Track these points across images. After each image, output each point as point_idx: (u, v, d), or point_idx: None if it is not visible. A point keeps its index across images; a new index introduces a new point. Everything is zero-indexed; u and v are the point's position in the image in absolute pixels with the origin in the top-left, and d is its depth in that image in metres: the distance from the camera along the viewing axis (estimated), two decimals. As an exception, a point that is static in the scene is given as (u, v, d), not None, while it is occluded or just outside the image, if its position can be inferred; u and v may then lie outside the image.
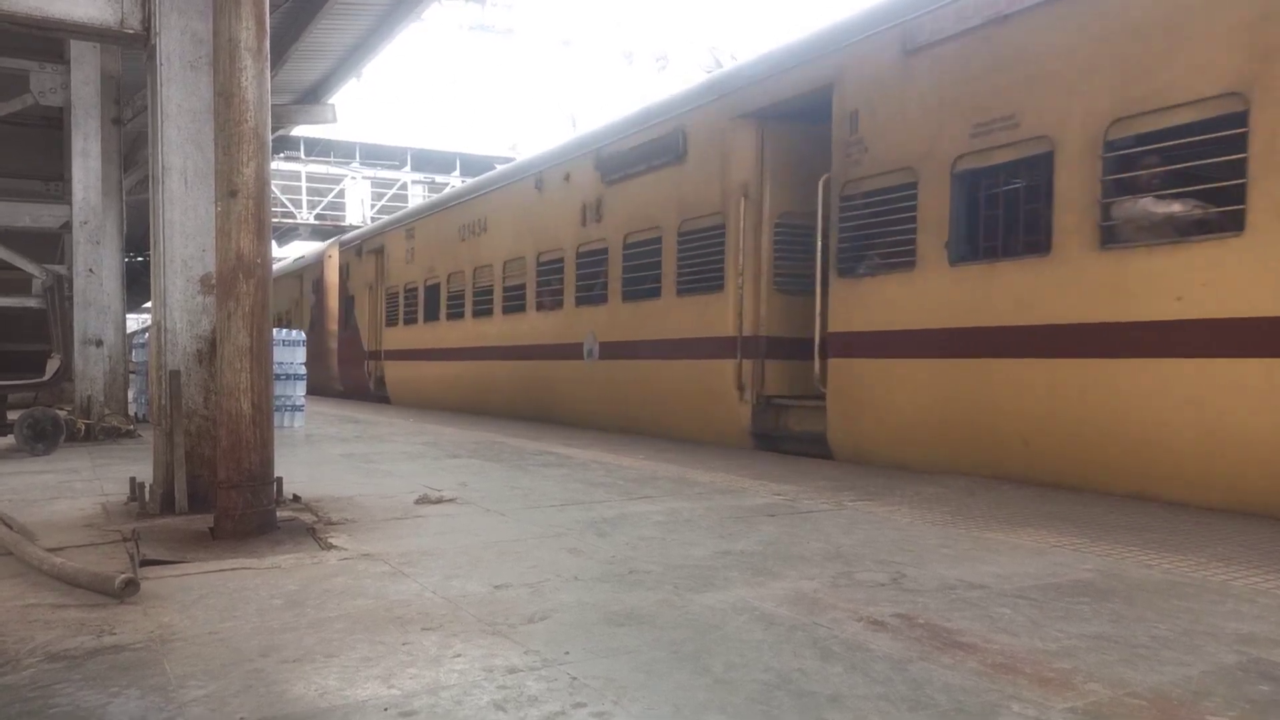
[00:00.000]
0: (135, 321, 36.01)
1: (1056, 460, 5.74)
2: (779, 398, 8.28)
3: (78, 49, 9.59)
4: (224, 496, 4.11)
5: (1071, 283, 5.62)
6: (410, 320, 16.06)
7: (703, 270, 8.84)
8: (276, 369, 9.20)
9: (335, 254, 20.38)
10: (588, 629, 2.74)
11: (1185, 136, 5.11)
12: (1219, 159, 4.99)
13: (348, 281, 19.44)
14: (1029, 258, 5.91)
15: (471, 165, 30.42)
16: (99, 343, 9.51)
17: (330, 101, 12.75)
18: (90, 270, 9.51)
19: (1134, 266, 5.32)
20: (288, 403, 10.58)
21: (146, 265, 19.92)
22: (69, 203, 10.25)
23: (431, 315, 15.15)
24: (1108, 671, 2.38)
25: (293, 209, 30.72)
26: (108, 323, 9.58)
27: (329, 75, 12.12)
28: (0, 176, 12.52)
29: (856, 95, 7.11)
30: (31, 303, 11.83)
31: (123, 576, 3.05)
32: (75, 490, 5.59)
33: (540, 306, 11.94)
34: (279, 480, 4.60)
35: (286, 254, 29.67)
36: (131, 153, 12.21)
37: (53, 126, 12.48)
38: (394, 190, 32.22)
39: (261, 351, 4.19)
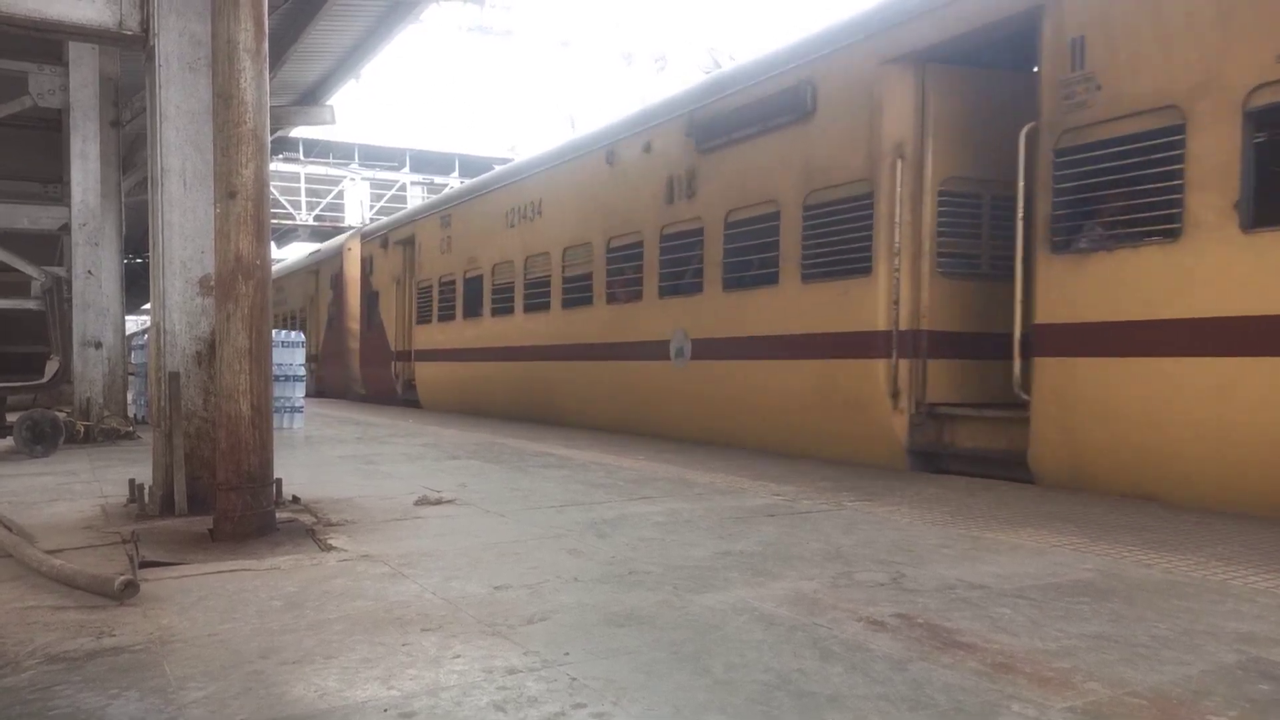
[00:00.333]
0: (134, 323, 36.01)
1: None
2: (945, 405, 6.84)
3: (76, 51, 9.59)
4: (223, 498, 4.11)
5: None
6: (446, 317, 14.65)
7: (840, 250, 7.37)
8: (275, 370, 9.20)
9: (356, 246, 19.14)
10: (587, 630, 2.74)
11: None
12: None
13: (371, 276, 18.04)
14: None
15: (470, 166, 30.46)
16: (98, 344, 9.51)
17: (329, 103, 12.76)
18: (89, 272, 9.52)
19: None
20: (287, 404, 10.60)
21: (145, 267, 19.93)
22: (68, 205, 10.25)
23: (472, 311, 13.77)
24: (1107, 671, 2.38)
25: (292, 210, 30.75)
26: (107, 324, 9.58)
27: (328, 76, 12.13)
28: (-1, 178, 12.54)
29: (1083, 17, 5.67)
30: (30, 305, 11.84)
31: (122, 578, 3.05)
32: (74, 492, 5.59)
33: (611, 299, 10.44)
34: (278, 482, 4.60)
35: (285, 255, 29.70)
36: (130, 154, 12.20)
37: (51, 128, 12.46)
38: (393, 191, 32.26)
39: (261, 353, 4.19)
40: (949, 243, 6.87)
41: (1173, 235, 5.20)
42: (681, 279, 9.31)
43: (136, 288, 22.08)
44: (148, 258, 5.23)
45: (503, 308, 12.88)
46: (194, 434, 4.80)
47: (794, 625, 2.77)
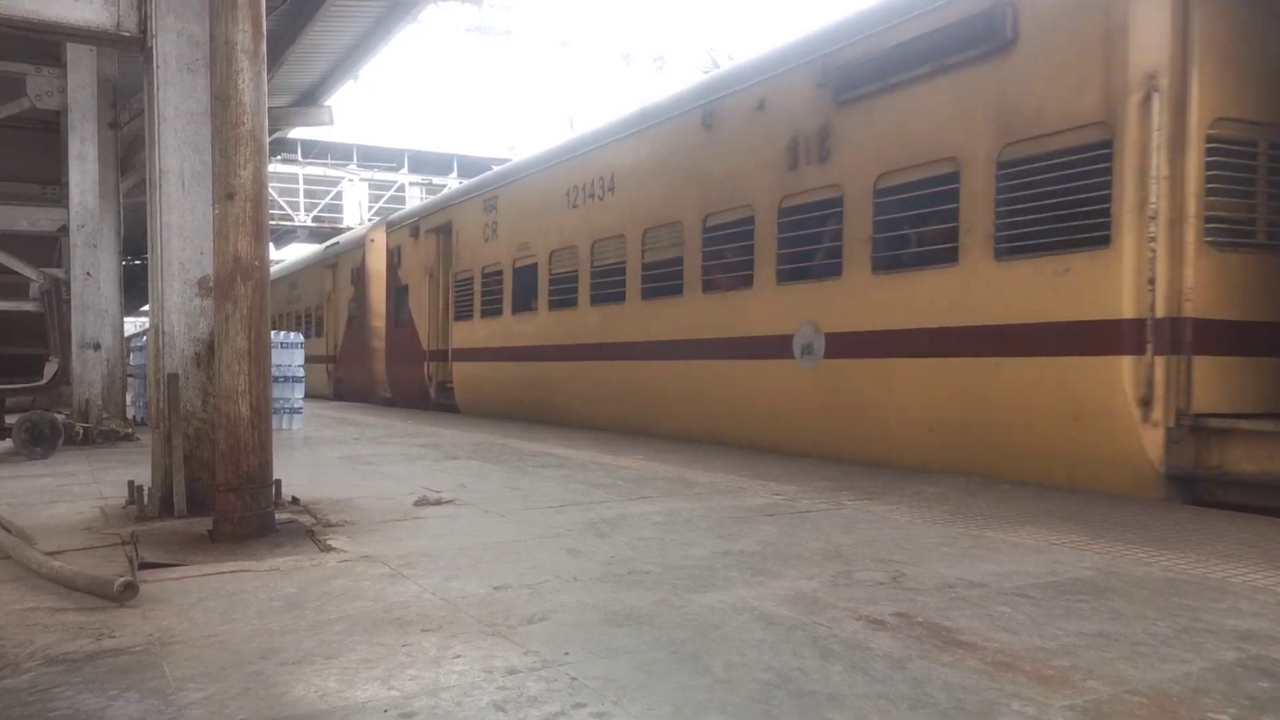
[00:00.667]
0: (133, 325, 36.00)
1: None
2: (1217, 417, 5.31)
3: (74, 52, 9.59)
4: (222, 499, 4.11)
5: None
6: (492, 312, 13.08)
7: (1055, 217, 5.85)
8: (274, 371, 9.20)
9: (381, 237, 17.40)
10: (587, 629, 2.74)
11: None
12: None
13: (398, 269, 16.28)
14: None
15: (469, 166, 30.44)
16: (97, 346, 9.51)
17: (327, 103, 12.75)
18: (88, 273, 9.52)
19: None
20: (286, 405, 10.61)
21: (144, 268, 19.94)
22: (66, 206, 10.25)
23: (523, 305, 12.26)
24: (1107, 669, 2.38)
25: (290, 211, 30.73)
26: (105, 326, 9.58)
27: (326, 77, 12.13)
28: (-3, 180, 12.55)
29: None
30: (29, 306, 11.84)
31: (121, 580, 3.05)
32: (73, 494, 5.59)
33: (709, 287, 8.87)
34: (278, 482, 4.60)
35: (283, 256, 29.69)
36: (129, 156, 12.21)
37: (49, 130, 12.47)
38: (391, 192, 32.26)
39: (259, 354, 4.19)
40: (1220, 204, 5.37)
41: None
42: (810, 261, 7.81)
43: (135, 289, 22.07)
44: (146, 259, 5.23)
45: (563, 300, 11.35)
46: (193, 435, 4.80)
47: (794, 624, 2.77)
